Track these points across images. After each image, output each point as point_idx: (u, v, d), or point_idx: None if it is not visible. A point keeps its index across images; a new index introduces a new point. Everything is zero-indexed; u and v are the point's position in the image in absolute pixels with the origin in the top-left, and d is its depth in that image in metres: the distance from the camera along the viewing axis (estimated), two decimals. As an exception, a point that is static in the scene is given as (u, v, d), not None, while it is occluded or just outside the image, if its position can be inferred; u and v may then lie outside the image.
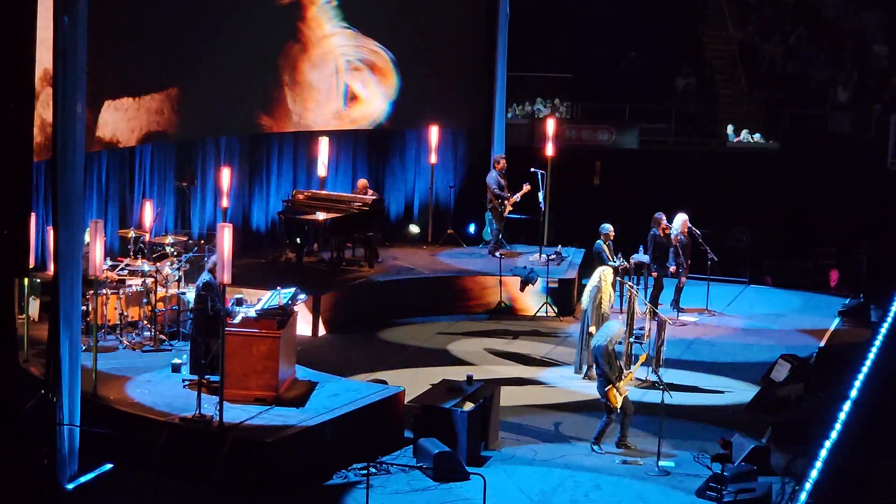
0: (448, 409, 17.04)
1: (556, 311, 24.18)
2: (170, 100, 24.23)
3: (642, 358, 18.83)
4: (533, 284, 24.06)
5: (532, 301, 24.37)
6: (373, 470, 16.34)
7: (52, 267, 16.24)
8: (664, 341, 20.55)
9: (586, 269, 23.93)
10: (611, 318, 19.84)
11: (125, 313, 19.89)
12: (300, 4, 26.29)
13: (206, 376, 17.11)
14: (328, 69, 26.95)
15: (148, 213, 21.67)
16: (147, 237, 21.13)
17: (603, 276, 20.47)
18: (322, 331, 22.46)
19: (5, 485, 14.61)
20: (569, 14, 32.71)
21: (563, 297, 24.51)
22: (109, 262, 19.87)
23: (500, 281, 24.37)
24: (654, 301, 23.11)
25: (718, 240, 25.89)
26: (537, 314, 24.16)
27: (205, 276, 17.94)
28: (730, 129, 32.14)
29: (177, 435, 16.22)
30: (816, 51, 33.65)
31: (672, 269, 23.71)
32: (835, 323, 24.58)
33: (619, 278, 21.42)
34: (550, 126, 27.05)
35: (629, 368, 18.58)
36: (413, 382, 19.06)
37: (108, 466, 15.70)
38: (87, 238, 17.27)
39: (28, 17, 14.87)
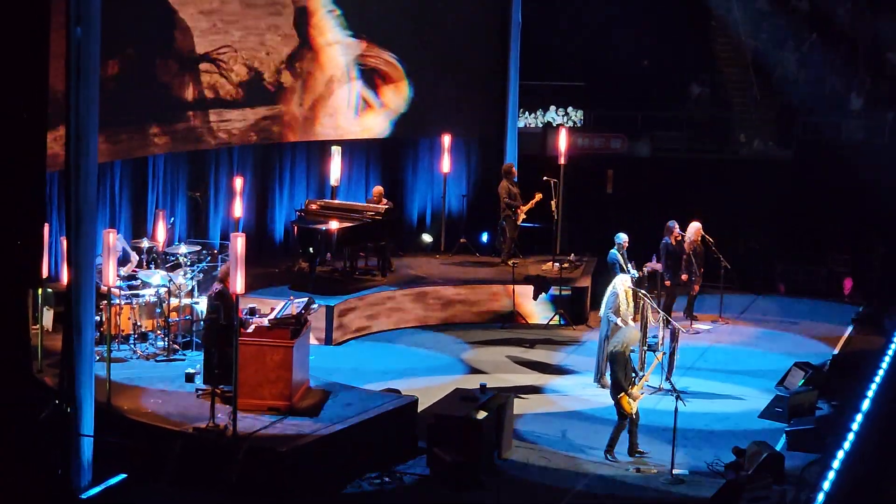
0: (461, 417, 17.04)
1: (569, 319, 24.16)
2: (182, 108, 24.35)
3: (656, 360, 18.79)
4: (546, 293, 24.05)
5: (541, 310, 24.35)
6: (387, 479, 16.36)
7: (65, 277, 16.27)
8: (677, 349, 20.54)
9: (599, 278, 23.94)
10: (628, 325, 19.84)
11: (139, 323, 19.92)
12: (307, 10, 26.35)
13: (220, 386, 17.12)
14: (340, 78, 26.96)
15: (161, 222, 21.72)
16: (160, 247, 21.18)
17: (621, 283, 20.43)
18: (335, 339, 22.49)
19: (21, 494, 14.64)
20: (581, 23, 32.68)
21: (577, 305, 24.50)
22: (123, 273, 19.93)
23: (513, 290, 24.37)
24: (668, 309, 23.09)
25: (731, 248, 25.83)
26: (550, 323, 24.16)
27: (216, 286, 17.98)
28: (742, 137, 32.07)
29: (190, 444, 16.23)
30: (830, 58, 33.59)
31: (684, 277, 23.68)
32: (848, 330, 24.54)
33: (632, 287, 21.39)
34: (563, 135, 27.05)
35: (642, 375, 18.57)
36: (426, 391, 19.07)
37: (122, 476, 15.73)
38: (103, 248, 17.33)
39: (42, 28, 14.93)
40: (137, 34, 23.05)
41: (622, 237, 22.24)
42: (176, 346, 19.84)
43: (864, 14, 33.95)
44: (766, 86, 33.29)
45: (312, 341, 19.73)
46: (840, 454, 16.12)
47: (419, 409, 18.05)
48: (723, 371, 21.82)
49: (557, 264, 25.16)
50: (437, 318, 24.26)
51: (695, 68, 33.66)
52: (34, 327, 18.40)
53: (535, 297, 24.14)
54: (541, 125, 32.02)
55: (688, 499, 16.48)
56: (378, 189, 25.49)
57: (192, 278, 20.49)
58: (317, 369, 19.21)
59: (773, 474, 16.60)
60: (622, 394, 17.41)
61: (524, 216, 25.88)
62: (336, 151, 26.08)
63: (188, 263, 20.75)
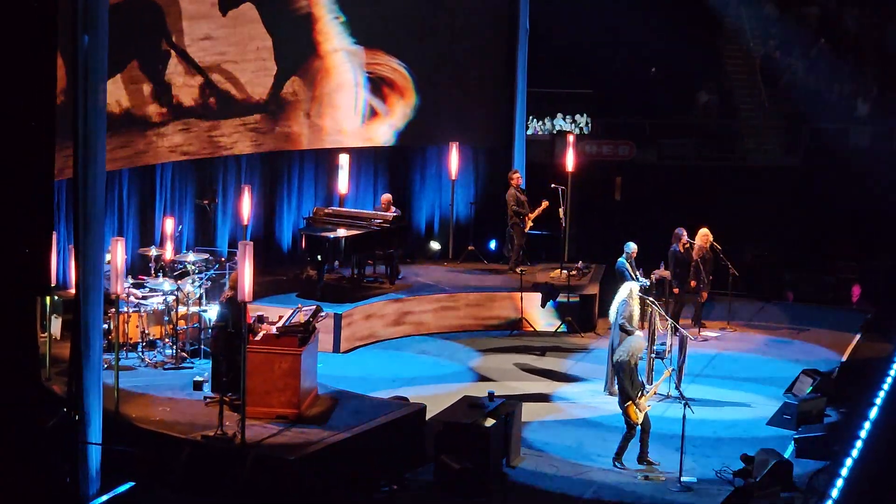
0: (470, 425, 17.02)
1: (575, 327, 24.13)
2: (189, 116, 24.39)
3: (666, 373, 18.79)
4: (555, 300, 24.03)
5: (546, 317, 24.33)
6: (395, 487, 16.34)
7: (73, 285, 16.28)
8: (685, 357, 20.51)
9: (607, 285, 23.91)
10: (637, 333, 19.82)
11: (147, 331, 19.93)
12: (312, 16, 26.36)
13: (228, 394, 17.12)
14: (347, 85, 26.96)
15: (169, 230, 21.73)
16: (168, 255, 21.18)
17: (630, 290, 20.39)
18: (343, 347, 22.49)
19: (28, 502, 14.64)
20: (589, 30, 32.68)
21: (585, 313, 24.48)
22: (131, 281, 19.94)
23: (521, 297, 24.35)
24: (676, 317, 23.06)
25: (739, 255, 25.81)
26: (557, 330, 24.15)
27: (225, 293, 17.98)
28: (750, 144, 32.06)
29: (198, 453, 16.24)
30: (837, 65, 33.58)
31: (692, 284, 23.65)
32: (857, 338, 24.50)
33: (640, 295, 21.37)
34: (571, 142, 27.03)
35: (651, 384, 18.56)
36: (434, 399, 19.05)
37: (130, 484, 15.73)
38: (108, 256, 17.33)
39: (49, 35, 14.93)
40: (141, 43, 23.09)
41: (631, 246, 22.22)
42: (184, 354, 19.84)
43: (871, 21, 33.96)
44: (774, 93, 33.30)
45: (320, 349, 19.72)
46: (848, 462, 16.12)
47: (427, 417, 18.04)
48: (731, 378, 21.79)
49: (565, 271, 25.10)
50: (444, 326, 24.23)
51: (703, 75, 33.67)
52: (42, 335, 18.40)
53: (543, 305, 24.13)
54: (549, 133, 32.02)
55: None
56: (386, 197, 25.48)
57: (200, 286, 20.49)
58: (325, 377, 19.20)
59: (781, 482, 16.59)
60: (629, 403, 17.39)
61: (531, 224, 25.87)
62: (344, 159, 26.08)
63: (196, 271, 20.76)
